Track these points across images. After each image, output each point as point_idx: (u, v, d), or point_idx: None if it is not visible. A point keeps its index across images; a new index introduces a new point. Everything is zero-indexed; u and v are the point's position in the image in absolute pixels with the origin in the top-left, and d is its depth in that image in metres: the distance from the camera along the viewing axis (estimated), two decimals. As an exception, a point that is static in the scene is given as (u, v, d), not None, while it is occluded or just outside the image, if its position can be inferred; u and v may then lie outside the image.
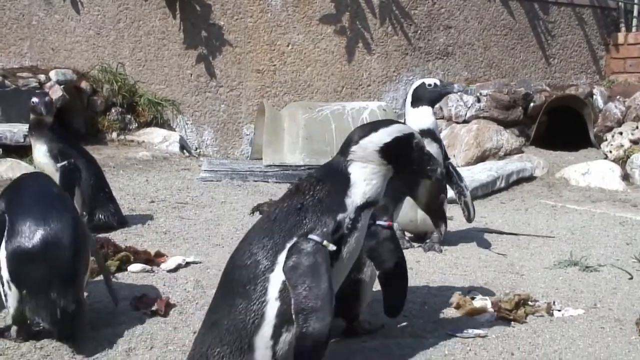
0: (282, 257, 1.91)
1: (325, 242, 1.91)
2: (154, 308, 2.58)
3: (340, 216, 1.97)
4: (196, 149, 6.80)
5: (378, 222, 2.38)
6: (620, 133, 6.17)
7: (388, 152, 2.02)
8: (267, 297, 1.89)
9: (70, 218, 2.29)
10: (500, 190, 5.51)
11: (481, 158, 6.12)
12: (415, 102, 3.59)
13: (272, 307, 1.89)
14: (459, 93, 3.57)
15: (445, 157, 3.60)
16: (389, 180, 2.09)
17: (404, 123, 2.86)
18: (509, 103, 6.66)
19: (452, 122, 6.65)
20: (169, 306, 2.64)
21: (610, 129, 6.42)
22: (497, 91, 6.70)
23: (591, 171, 5.74)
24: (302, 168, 5.81)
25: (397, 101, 7.24)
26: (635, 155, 5.80)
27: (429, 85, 3.58)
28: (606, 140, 6.26)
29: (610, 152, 6.11)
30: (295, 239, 1.92)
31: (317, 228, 1.93)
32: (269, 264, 1.91)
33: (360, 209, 2.00)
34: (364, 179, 2.01)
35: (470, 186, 5.29)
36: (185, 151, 6.41)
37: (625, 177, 5.72)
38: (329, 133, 6.08)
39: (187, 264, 3.16)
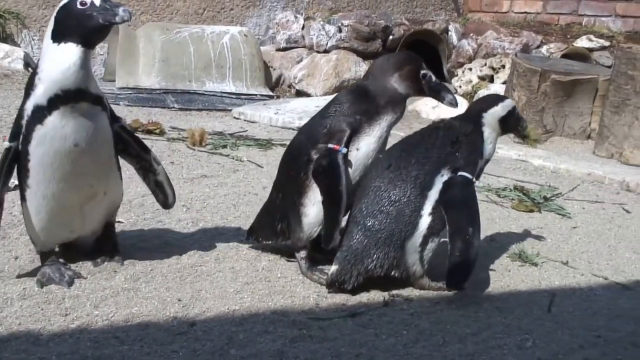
0: (439, 179, 2.29)
1: (474, 180, 2.35)
2: (-26, 232, 2.43)
3: (480, 163, 2.41)
4: (44, 67, 6.36)
5: (329, 145, 2.36)
6: (470, 69, 6.46)
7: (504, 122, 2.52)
8: (422, 212, 2.28)
9: None
10: (355, 120, 5.62)
11: (339, 88, 6.19)
12: (59, 35, 2.16)
13: (424, 221, 2.28)
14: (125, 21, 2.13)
15: (114, 120, 2.40)
16: (350, 104, 2.40)
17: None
18: (369, 35, 6.75)
19: (313, 51, 6.65)
20: (-8, 230, 2.50)
21: (462, 65, 6.70)
22: (358, 22, 6.75)
23: (441, 105, 5.96)
24: (158, 92, 5.62)
25: (260, 27, 7.13)
26: (482, 91, 6.11)
27: (82, 4, 2.13)
28: (457, 75, 6.54)
29: (460, 87, 6.40)
30: (449, 167, 2.31)
31: (467, 166, 2.33)
32: (427, 184, 2.28)
33: (484, 162, 2.46)
34: (490, 141, 2.47)
35: (326, 115, 5.40)
36: (30, 69, 5.98)
37: (472, 111, 6.03)
38: (187, 56, 5.90)
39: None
